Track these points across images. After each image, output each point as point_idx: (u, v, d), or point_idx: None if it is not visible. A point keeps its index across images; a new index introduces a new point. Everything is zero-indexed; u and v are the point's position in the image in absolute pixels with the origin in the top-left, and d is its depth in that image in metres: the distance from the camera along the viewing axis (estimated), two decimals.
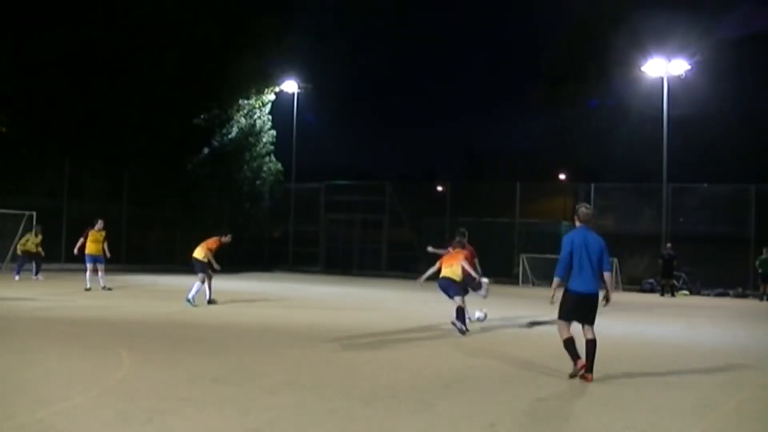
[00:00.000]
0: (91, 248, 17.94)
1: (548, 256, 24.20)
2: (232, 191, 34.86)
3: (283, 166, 37.44)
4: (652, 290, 27.55)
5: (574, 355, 8.03)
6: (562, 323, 8.15)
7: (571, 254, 8.03)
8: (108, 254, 18.44)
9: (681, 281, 27.44)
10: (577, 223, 8.35)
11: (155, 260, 29.87)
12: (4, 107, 29.44)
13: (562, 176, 42.60)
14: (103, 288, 17.79)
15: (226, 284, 18.11)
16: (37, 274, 21.15)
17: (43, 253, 21.72)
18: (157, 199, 31.82)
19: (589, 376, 7.91)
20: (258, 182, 36.47)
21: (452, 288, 11.98)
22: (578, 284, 8.01)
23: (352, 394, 6.91)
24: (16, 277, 20.81)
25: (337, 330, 11.83)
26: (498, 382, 7.84)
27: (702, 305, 22.05)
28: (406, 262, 34.38)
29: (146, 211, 31.53)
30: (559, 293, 8.21)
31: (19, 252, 21.74)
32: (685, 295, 26.47)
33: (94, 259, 17.94)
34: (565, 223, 30.03)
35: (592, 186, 31.66)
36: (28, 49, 28.13)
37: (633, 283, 28.84)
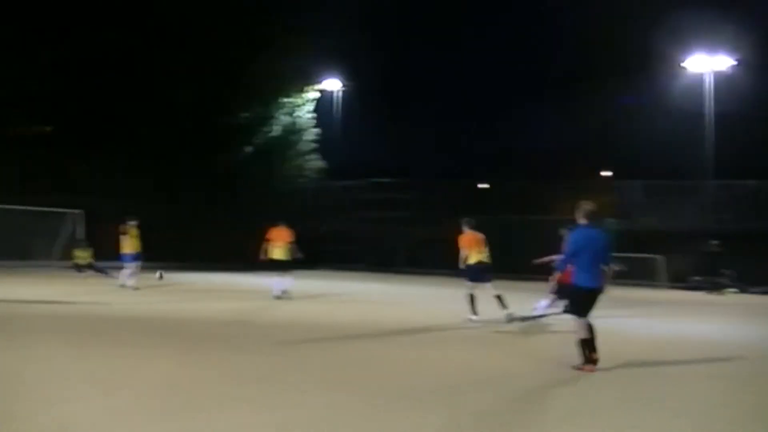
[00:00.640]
0: (128, 245, 17.73)
1: None
2: (274, 188, 35.04)
3: (326, 163, 37.55)
4: (698, 288, 27.01)
5: (593, 349, 8.16)
6: (582, 321, 8.16)
7: (576, 252, 8.16)
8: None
9: (728, 278, 26.85)
10: (582, 221, 8.40)
11: (196, 258, 29.97)
12: (48, 107, 29.93)
13: (605, 173, 42.05)
14: (121, 285, 17.52)
15: (265, 282, 18.08)
16: (105, 273, 20.50)
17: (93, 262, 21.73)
18: (198, 197, 32.03)
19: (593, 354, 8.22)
20: (300, 180, 36.69)
21: (487, 274, 12.11)
22: (589, 280, 8.13)
23: (382, 391, 6.91)
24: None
25: (370, 327, 11.88)
26: (515, 379, 7.77)
27: (749, 303, 21.59)
28: (446, 259, 34.33)
29: (187, 208, 31.66)
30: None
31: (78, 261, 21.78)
32: (733, 292, 25.91)
33: (132, 257, 17.70)
34: (610, 220, 29.61)
35: (636, 183, 31.22)
36: (74, 48, 28.59)
37: (678, 280, 28.34)
